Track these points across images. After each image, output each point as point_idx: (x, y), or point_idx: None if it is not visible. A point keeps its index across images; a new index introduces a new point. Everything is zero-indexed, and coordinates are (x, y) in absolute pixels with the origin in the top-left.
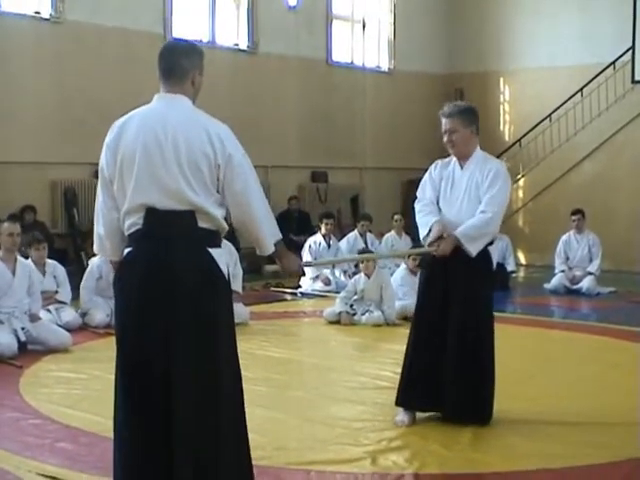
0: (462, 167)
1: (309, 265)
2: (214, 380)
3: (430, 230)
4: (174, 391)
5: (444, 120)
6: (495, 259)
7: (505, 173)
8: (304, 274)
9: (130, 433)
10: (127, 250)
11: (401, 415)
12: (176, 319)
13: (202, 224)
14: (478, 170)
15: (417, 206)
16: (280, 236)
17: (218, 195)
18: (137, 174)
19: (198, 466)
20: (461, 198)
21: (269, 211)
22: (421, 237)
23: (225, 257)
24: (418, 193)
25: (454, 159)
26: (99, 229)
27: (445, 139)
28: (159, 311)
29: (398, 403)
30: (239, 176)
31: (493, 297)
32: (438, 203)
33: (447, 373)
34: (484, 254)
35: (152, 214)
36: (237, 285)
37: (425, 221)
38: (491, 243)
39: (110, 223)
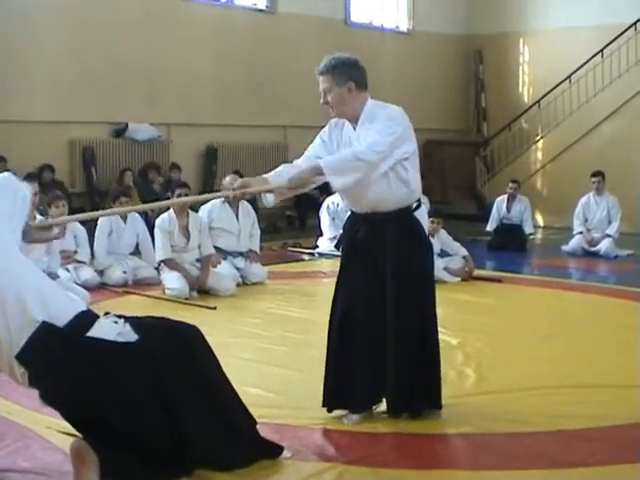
0: (355, 129)
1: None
2: None
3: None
4: None
5: (318, 78)
6: (426, 225)
7: (395, 114)
8: None
9: None
10: None
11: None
12: None
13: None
14: (371, 125)
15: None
16: None
17: None
18: None
19: None
20: None
21: None
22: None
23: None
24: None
25: (343, 122)
26: None
27: (321, 101)
28: None
29: (336, 405)
30: None
31: (432, 267)
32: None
33: (393, 364)
34: (412, 220)
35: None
36: (255, 245)
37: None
38: (419, 206)
39: None
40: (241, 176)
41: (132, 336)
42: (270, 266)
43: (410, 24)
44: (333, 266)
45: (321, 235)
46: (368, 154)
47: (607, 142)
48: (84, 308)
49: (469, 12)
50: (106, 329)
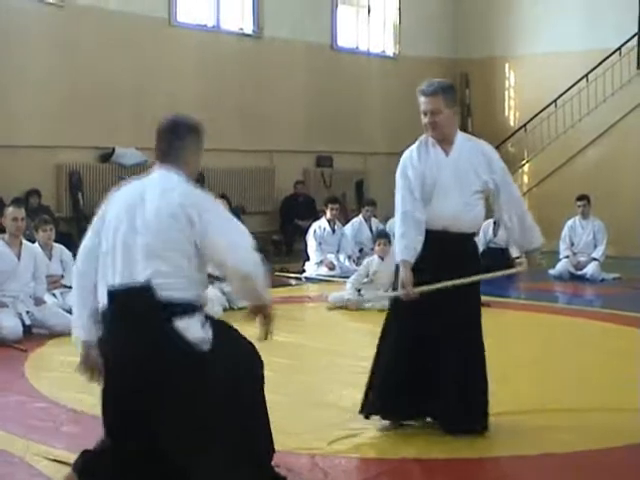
0: (446, 152)
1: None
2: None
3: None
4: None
5: (425, 99)
6: (480, 245)
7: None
8: None
9: None
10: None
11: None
12: None
13: (168, 294)
14: (469, 154)
15: (399, 216)
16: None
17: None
18: (112, 248)
19: None
20: (449, 188)
21: (256, 261)
22: (400, 253)
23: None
24: (401, 196)
25: (430, 143)
26: None
27: (426, 120)
28: None
29: (374, 412)
30: (216, 244)
31: (480, 292)
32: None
33: (438, 380)
34: (474, 246)
35: (113, 295)
36: None
37: (408, 242)
38: (475, 234)
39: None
40: (228, 200)
41: (207, 345)
42: None
43: (396, 48)
44: (319, 290)
45: (308, 260)
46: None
47: (593, 166)
48: (193, 298)
49: (455, 36)
50: (193, 329)
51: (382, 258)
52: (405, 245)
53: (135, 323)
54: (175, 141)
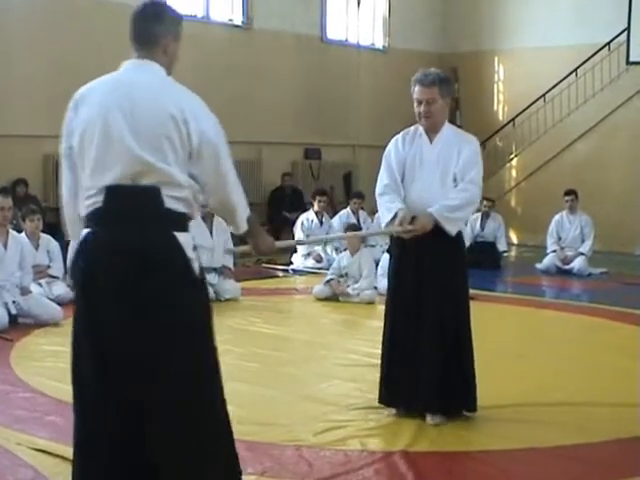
0: (431, 141)
1: (286, 245)
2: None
3: (395, 215)
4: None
5: (421, 88)
6: (467, 239)
7: (479, 148)
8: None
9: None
10: (85, 231)
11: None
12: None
13: (170, 204)
14: (450, 143)
15: (380, 187)
16: (249, 214)
17: (186, 173)
18: (97, 146)
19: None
20: (430, 175)
21: (241, 190)
22: (383, 223)
23: (192, 243)
24: (382, 173)
25: (420, 131)
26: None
27: (420, 109)
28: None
29: (384, 402)
30: (212, 155)
31: (468, 278)
32: (402, 180)
33: (427, 366)
34: (456, 236)
35: (113, 192)
36: (228, 261)
37: (390, 206)
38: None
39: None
40: None
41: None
42: (244, 282)
43: (386, 41)
44: (306, 283)
45: (295, 252)
46: (477, 195)
47: (581, 161)
48: (187, 213)
49: (445, 30)
50: (188, 248)
51: (351, 253)
52: (398, 203)
53: (141, 225)
54: (154, 24)
